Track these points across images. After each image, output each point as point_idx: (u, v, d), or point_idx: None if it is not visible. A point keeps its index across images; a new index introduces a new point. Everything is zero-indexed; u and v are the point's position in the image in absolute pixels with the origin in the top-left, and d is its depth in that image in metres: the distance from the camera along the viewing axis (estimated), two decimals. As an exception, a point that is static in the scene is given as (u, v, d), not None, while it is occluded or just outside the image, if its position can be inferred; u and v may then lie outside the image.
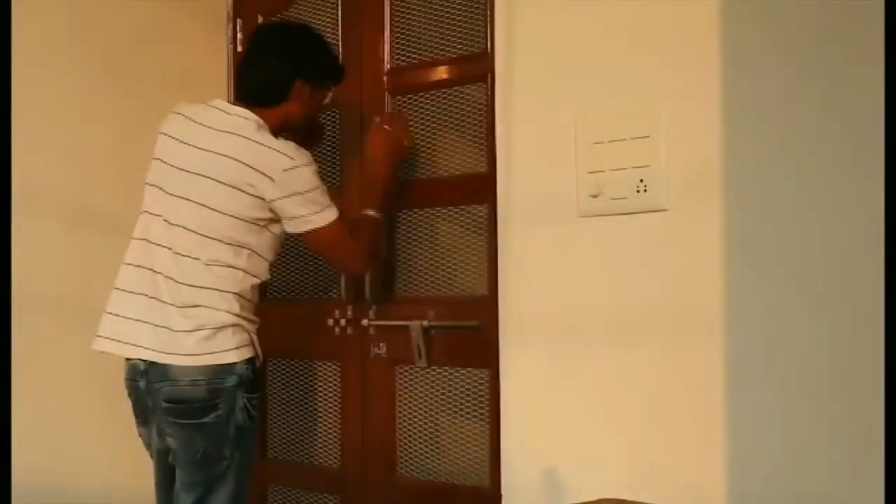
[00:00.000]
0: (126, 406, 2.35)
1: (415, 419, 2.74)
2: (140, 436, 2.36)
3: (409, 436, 2.75)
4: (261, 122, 2.24)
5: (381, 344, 2.78)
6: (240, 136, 2.21)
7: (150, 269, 2.23)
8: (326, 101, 2.48)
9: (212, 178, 2.20)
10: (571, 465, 2.20)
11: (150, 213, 2.27)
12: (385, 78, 2.80)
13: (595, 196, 2.16)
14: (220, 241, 2.21)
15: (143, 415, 2.30)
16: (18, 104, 2.65)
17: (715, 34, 2.00)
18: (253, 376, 2.26)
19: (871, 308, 1.74)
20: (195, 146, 2.23)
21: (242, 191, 2.19)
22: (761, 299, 1.95)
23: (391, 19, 2.79)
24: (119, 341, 2.25)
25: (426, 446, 2.72)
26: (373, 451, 2.81)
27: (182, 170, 2.23)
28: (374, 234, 2.48)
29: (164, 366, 2.19)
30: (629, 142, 2.12)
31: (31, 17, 2.80)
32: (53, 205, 2.88)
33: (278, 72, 2.30)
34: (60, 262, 2.87)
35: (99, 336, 2.27)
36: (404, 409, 2.76)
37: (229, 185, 2.19)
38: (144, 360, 2.22)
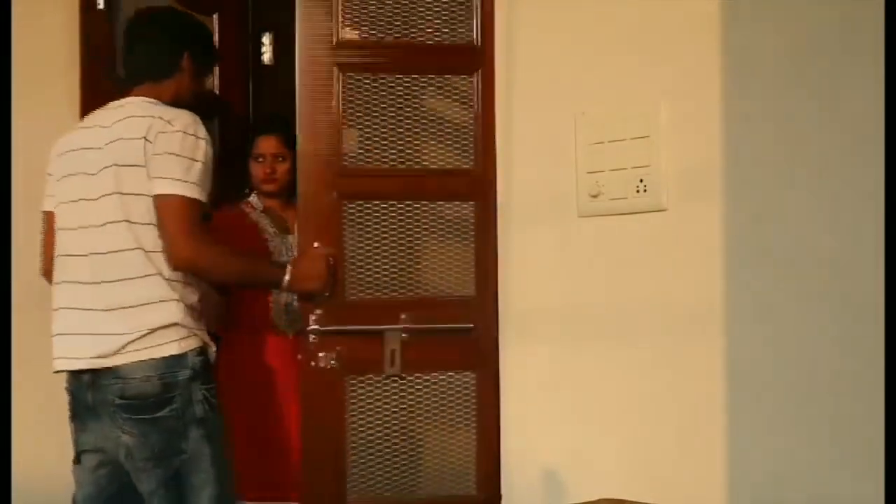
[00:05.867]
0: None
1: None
2: None
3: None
4: (148, 99, 2.26)
5: (334, 351, 2.37)
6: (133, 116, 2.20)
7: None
8: (201, 88, 2.46)
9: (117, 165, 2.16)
10: (571, 465, 2.20)
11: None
12: (335, 53, 2.40)
13: (595, 196, 2.16)
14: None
15: None
16: (19, 104, 2.66)
17: (715, 34, 2.00)
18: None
19: (871, 307, 1.73)
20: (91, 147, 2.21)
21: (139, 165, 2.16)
22: (760, 299, 1.95)
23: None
24: None
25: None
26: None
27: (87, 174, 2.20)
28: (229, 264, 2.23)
29: None
30: (629, 142, 2.12)
31: (31, 18, 2.80)
32: (54, 205, 2.87)
33: (169, 44, 2.35)
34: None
35: None
36: (357, 422, 2.39)
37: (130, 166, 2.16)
38: None
